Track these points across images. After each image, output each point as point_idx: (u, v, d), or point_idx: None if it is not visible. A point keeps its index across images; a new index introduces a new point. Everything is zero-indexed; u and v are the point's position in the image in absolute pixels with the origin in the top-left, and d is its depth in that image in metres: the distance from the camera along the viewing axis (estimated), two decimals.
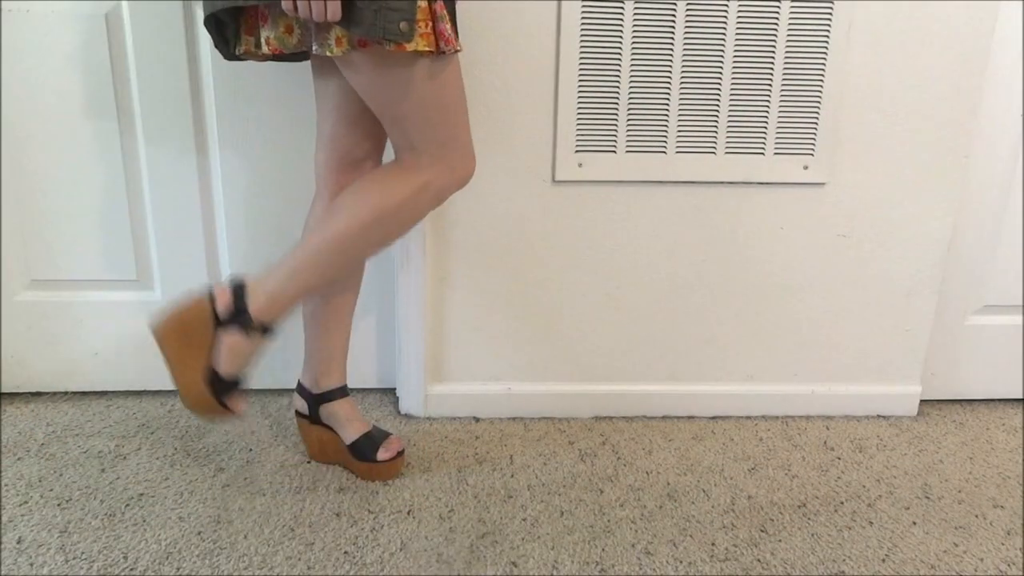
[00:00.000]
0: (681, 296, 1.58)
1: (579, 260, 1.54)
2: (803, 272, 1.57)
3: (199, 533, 1.23)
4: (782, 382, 1.64)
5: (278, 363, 1.65)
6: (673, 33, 1.41)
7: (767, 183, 1.51)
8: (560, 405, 1.62)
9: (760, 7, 1.40)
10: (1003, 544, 1.27)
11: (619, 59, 1.42)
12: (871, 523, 1.31)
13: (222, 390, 1.20)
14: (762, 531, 1.28)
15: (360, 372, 1.67)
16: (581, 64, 1.42)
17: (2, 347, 1.61)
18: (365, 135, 1.27)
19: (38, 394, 1.64)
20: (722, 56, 1.42)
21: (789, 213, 1.53)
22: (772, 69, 1.44)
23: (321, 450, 1.42)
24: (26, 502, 1.30)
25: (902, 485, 1.42)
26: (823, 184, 1.52)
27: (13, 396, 1.63)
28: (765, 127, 1.47)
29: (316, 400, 1.39)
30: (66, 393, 1.65)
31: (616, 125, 1.45)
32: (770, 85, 1.44)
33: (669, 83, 1.43)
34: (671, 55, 1.42)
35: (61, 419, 1.55)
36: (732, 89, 1.44)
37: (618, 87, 1.43)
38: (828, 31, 1.42)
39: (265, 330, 1.20)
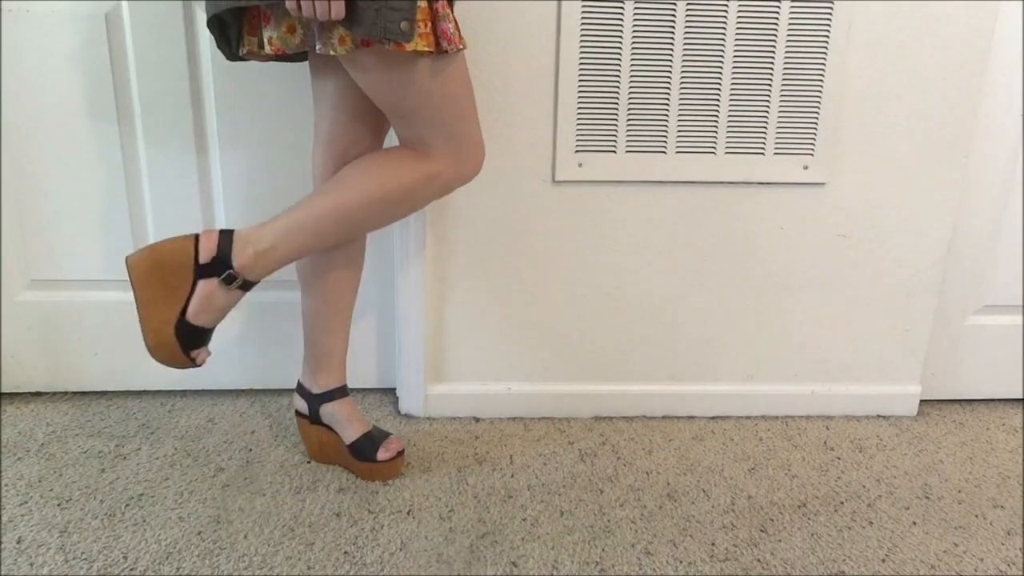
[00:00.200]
0: (681, 296, 1.58)
1: (579, 260, 1.54)
2: (803, 272, 1.57)
3: (199, 533, 1.23)
4: (782, 382, 1.64)
5: (278, 363, 1.65)
6: (673, 33, 1.41)
7: (767, 183, 1.51)
8: (560, 405, 1.62)
9: (760, 7, 1.40)
10: (1003, 544, 1.27)
11: (619, 59, 1.42)
12: (871, 523, 1.31)
13: (189, 339, 1.18)
14: (762, 531, 1.28)
15: (360, 372, 1.67)
16: (581, 64, 1.42)
17: (2, 347, 1.61)
18: (363, 134, 1.27)
19: (38, 394, 1.64)
20: (722, 56, 1.42)
21: (789, 213, 1.53)
22: (772, 69, 1.44)
23: (321, 450, 1.42)
24: (26, 502, 1.30)
25: (902, 485, 1.42)
26: (823, 184, 1.52)
27: (13, 396, 1.63)
28: (765, 127, 1.47)
29: (316, 400, 1.39)
30: (66, 393, 1.65)
31: (616, 125, 1.45)
32: (770, 85, 1.44)
33: (669, 83, 1.44)
34: (671, 55, 1.42)
35: (61, 419, 1.55)
36: (732, 89, 1.44)
37: (618, 87, 1.43)
38: (828, 31, 1.42)
39: (245, 284, 1.19)
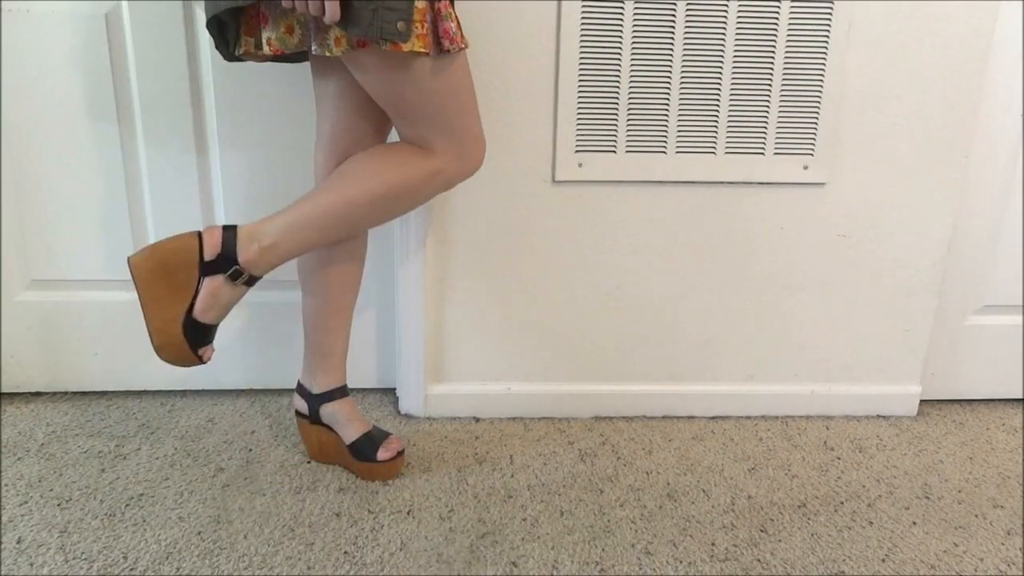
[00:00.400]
0: (681, 296, 1.58)
1: (579, 260, 1.54)
2: (803, 272, 1.57)
3: (199, 533, 1.23)
4: (782, 382, 1.64)
5: (278, 363, 1.65)
6: (673, 33, 1.41)
7: (767, 183, 1.51)
8: (560, 405, 1.62)
9: (760, 7, 1.40)
10: (1003, 544, 1.27)
11: (619, 59, 1.42)
12: (871, 523, 1.31)
13: (197, 337, 1.19)
14: (762, 531, 1.28)
15: (360, 372, 1.67)
16: (581, 64, 1.42)
17: (2, 347, 1.61)
18: (365, 133, 1.27)
19: (38, 394, 1.64)
20: (722, 56, 1.42)
21: (789, 213, 1.53)
22: (772, 69, 1.44)
23: (321, 450, 1.41)
24: (26, 502, 1.30)
25: (902, 485, 1.42)
26: (823, 184, 1.52)
27: (13, 396, 1.63)
28: (765, 127, 1.47)
29: (316, 400, 1.39)
30: (66, 393, 1.65)
31: (616, 125, 1.45)
32: (770, 85, 1.44)
33: (669, 83, 1.43)
34: (671, 55, 1.42)
35: (61, 419, 1.55)
36: (732, 89, 1.44)
37: (618, 87, 1.43)
38: (828, 31, 1.42)
39: (251, 280, 1.19)
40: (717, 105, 1.45)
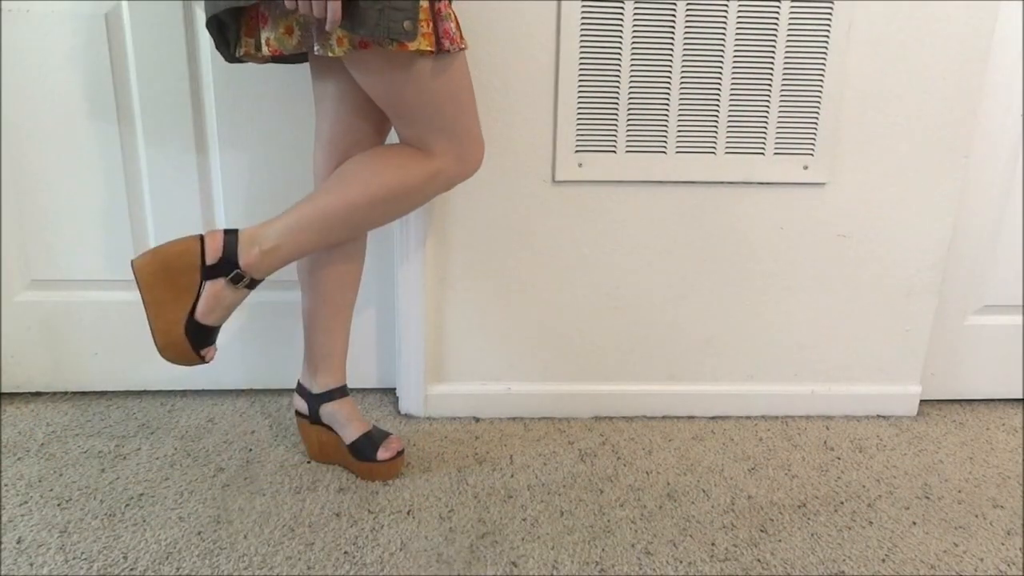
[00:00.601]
0: (681, 296, 1.58)
1: (579, 260, 1.54)
2: (803, 272, 1.57)
3: (199, 533, 1.23)
4: (782, 382, 1.64)
5: (278, 363, 1.65)
6: (673, 33, 1.41)
7: (767, 183, 1.51)
8: (560, 405, 1.62)
9: (760, 7, 1.40)
10: (1003, 544, 1.27)
11: (619, 59, 1.42)
12: (871, 523, 1.31)
13: (199, 338, 1.20)
14: (762, 531, 1.28)
15: (360, 372, 1.67)
16: (581, 64, 1.42)
17: (2, 347, 1.61)
18: (364, 134, 1.27)
19: (38, 394, 1.64)
20: (722, 56, 1.42)
21: (789, 213, 1.53)
22: (772, 69, 1.44)
23: (321, 450, 1.41)
24: (26, 502, 1.30)
25: (902, 485, 1.42)
26: (823, 184, 1.52)
27: (13, 396, 1.63)
28: (765, 127, 1.47)
29: (316, 400, 1.39)
30: (66, 393, 1.65)
31: (616, 125, 1.45)
32: (770, 85, 1.44)
33: (669, 83, 1.44)
34: (671, 55, 1.42)
35: (61, 419, 1.55)
36: (732, 89, 1.44)
37: (618, 87, 1.43)
38: (828, 31, 1.42)
39: (252, 283, 1.20)
40: (717, 105, 1.45)
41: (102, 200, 1.54)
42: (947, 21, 1.44)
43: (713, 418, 1.64)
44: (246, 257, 1.18)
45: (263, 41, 1.12)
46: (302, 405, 1.41)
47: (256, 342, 1.64)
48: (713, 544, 1.24)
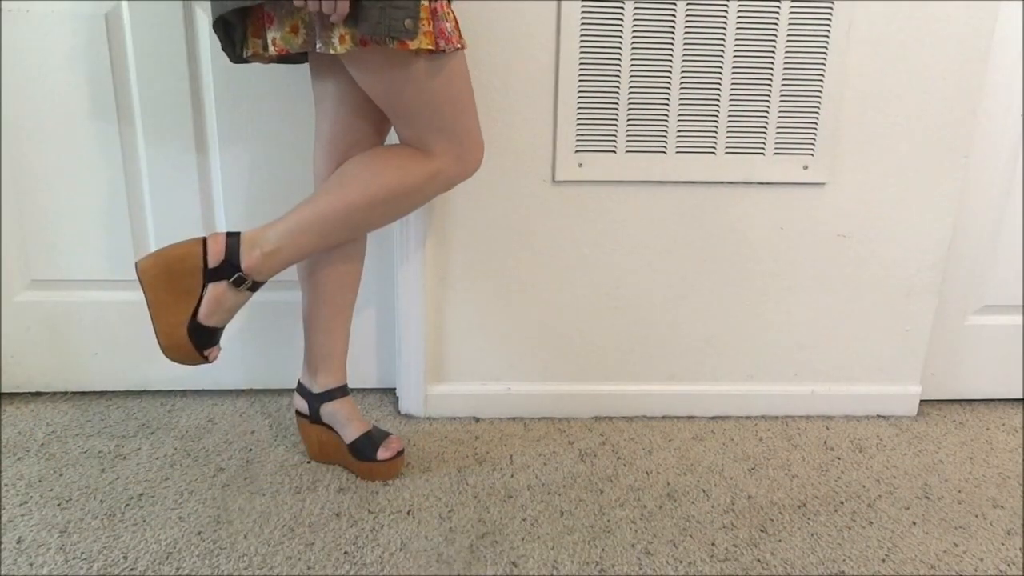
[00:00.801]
0: (681, 296, 1.58)
1: (579, 260, 1.54)
2: (803, 272, 1.57)
3: (199, 533, 1.23)
4: (782, 382, 1.64)
5: (278, 363, 1.65)
6: (673, 33, 1.41)
7: (767, 183, 1.51)
8: (560, 405, 1.62)
9: (760, 7, 1.40)
10: (1003, 544, 1.27)
11: (619, 59, 1.42)
12: (871, 523, 1.31)
13: (202, 339, 1.21)
14: (762, 531, 1.28)
15: (360, 372, 1.67)
16: (581, 64, 1.42)
17: (2, 347, 1.61)
18: (364, 135, 1.28)
19: (38, 394, 1.64)
20: (722, 56, 1.42)
21: (789, 213, 1.53)
22: (772, 69, 1.44)
23: (321, 450, 1.42)
24: (26, 502, 1.30)
25: (902, 485, 1.42)
26: (823, 184, 1.52)
27: (13, 396, 1.63)
28: (765, 127, 1.47)
29: (316, 400, 1.39)
30: (66, 393, 1.65)
31: (616, 125, 1.45)
32: (770, 85, 1.44)
33: (669, 83, 1.44)
34: (671, 55, 1.42)
35: (61, 419, 1.55)
36: (732, 89, 1.44)
37: (618, 87, 1.43)
38: (828, 31, 1.42)
39: (254, 285, 1.21)
40: (717, 105, 1.45)
41: (102, 200, 1.54)
42: (947, 21, 1.44)
43: (713, 418, 1.64)
44: (248, 260, 1.19)
45: (270, 41, 1.12)
46: (302, 405, 1.41)
47: (256, 342, 1.64)
48: (713, 544, 1.24)
